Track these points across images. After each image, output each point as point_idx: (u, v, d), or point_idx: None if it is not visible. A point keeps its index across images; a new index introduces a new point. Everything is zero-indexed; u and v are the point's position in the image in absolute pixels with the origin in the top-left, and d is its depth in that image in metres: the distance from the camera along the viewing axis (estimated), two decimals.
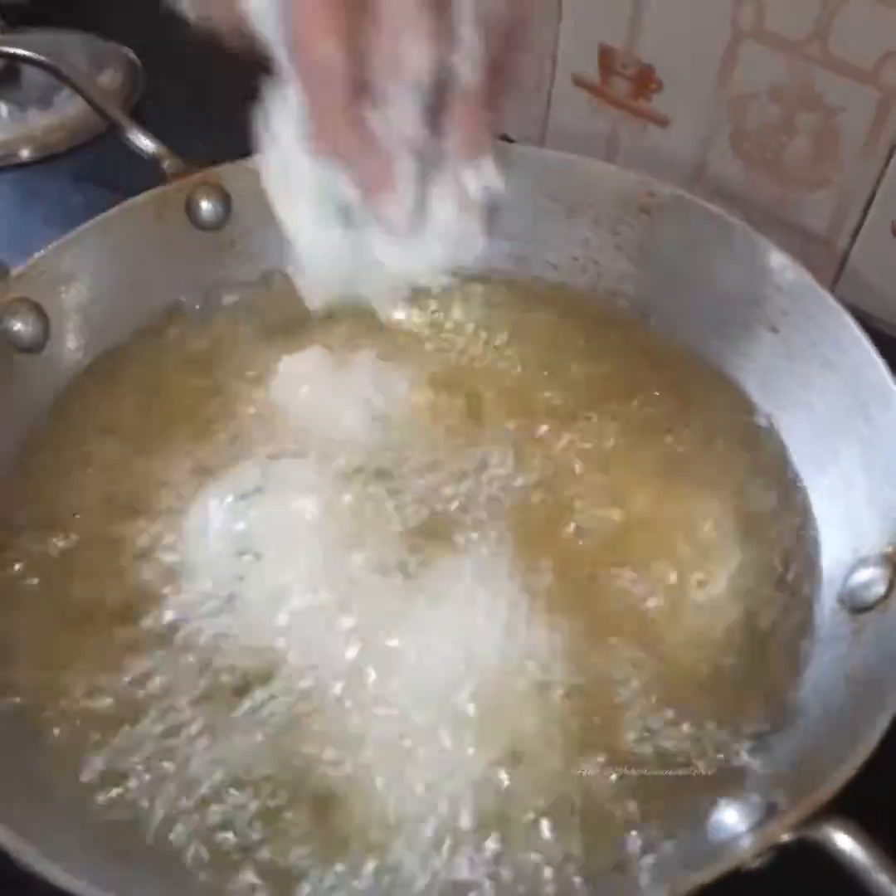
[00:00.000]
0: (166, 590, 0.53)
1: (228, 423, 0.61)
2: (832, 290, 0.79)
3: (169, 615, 0.52)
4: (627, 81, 0.84)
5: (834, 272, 0.79)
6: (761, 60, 0.74)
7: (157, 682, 0.50)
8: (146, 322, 0.67)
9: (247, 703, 0.49)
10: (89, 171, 0.90)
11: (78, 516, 0.57)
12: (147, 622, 0.52)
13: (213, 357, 0.66)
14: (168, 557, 0.54)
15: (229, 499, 0.55)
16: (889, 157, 0.72)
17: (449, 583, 0.53)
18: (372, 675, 0.49)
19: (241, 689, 0.49)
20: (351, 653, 0.50)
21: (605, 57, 0.84)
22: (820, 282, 0.78)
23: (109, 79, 0.98)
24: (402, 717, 0.48)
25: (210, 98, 0.98)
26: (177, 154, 0.67)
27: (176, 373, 0.65)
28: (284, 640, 0.51)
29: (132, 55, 1.02)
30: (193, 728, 0.48)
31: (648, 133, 0.85)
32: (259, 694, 0.49)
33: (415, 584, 0.53)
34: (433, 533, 0.56)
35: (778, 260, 0.63)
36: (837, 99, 0.72)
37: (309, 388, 0.62)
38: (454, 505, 0.57)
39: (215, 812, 0.46)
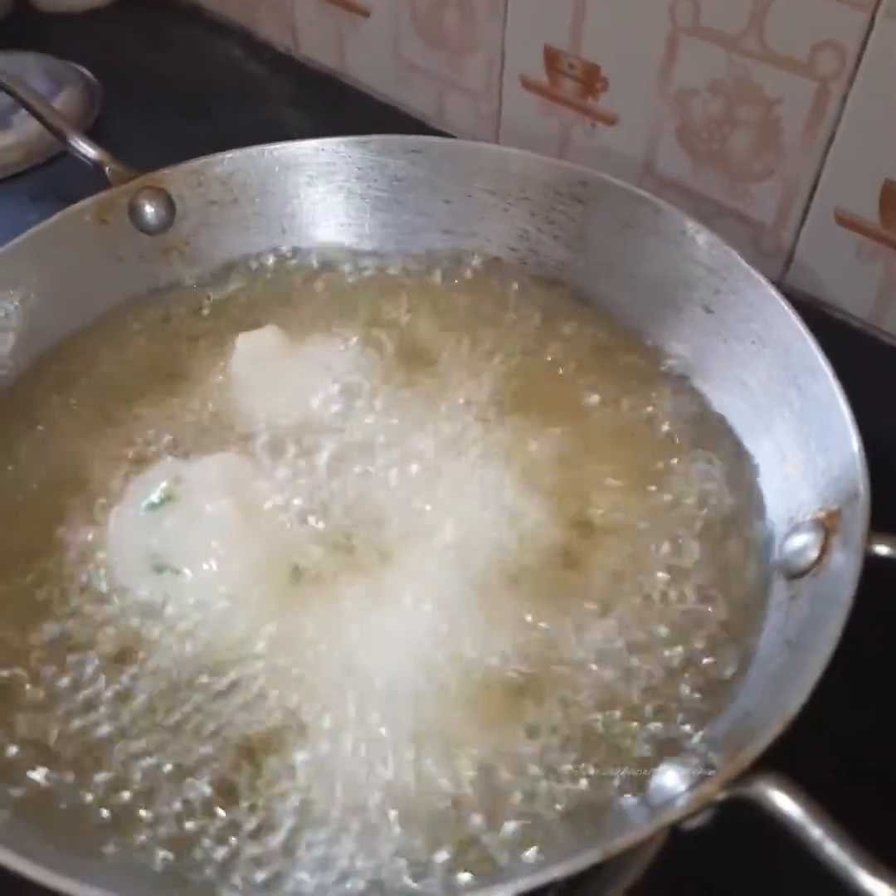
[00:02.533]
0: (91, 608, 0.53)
1: (168, 417, 0.62)
2: (782, 281, 0.81)
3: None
4: (574, 82, 0.85)
5: (783, 261, 0.81)
6: (700, 55, 0.75)
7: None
8: (92, 324, 0.67)
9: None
10: (47, 190, 0.91)
11: None
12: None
13: (158, 355, 0.66)
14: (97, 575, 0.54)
15: (141, 511, 0.54)
16: (829, 145, 0.73)
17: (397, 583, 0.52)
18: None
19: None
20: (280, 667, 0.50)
21: (551, 58, 0.85)
22: (770, 272, 0.79)
23: (66, 99, 0.99)
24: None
25: (166, 117, 0.99)
26: (123, 160, 0.68)
27: (121, 371, 0.65)
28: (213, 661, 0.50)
29: (89, 75, 1.03)
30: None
31: (598, 131, 0.86)
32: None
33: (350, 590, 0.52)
34: (371, 523, 0.56)
35: (705, 239, 0.64)
36: (775, 90, 0.73)
37: (268, 360, 0.63)
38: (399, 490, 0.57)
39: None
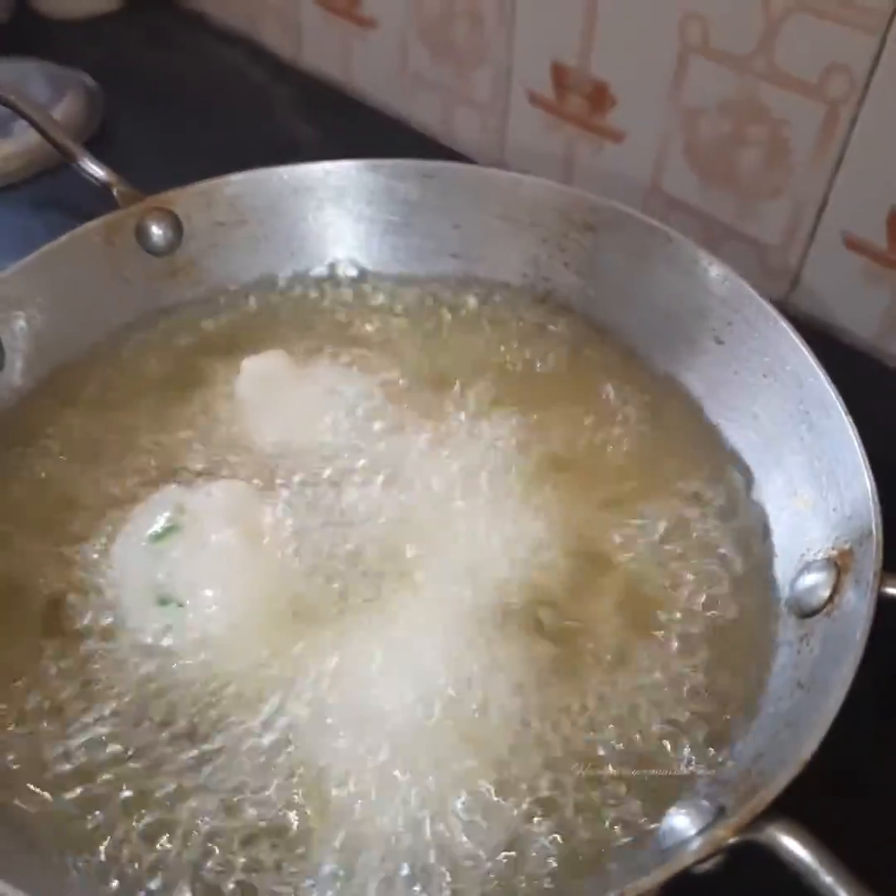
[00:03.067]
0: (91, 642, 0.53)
1: (173, 441, 0.61)
2: (787, 301, 0.81)
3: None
4: (582, 98, 0.85)
5: (789, 282, 0.81)
6: (710, 75, 0.75)
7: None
8: (97, 344, 0.67)
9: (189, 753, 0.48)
10: (50, 199, 0.90)
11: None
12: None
13: (164, 378, 0.66)
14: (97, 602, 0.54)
15: (144, 541, 0.53)
16: (837, 167, 0.73)
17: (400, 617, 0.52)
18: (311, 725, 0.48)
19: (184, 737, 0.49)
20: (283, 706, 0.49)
21: (559, 74, 0.85)
22: (776, 292, 0.80)
23: (68, 106, 0.98)
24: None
25: (169, 124, 0.99)
26: (127, 181, 0.67)
27: (126, 393, 0.65)
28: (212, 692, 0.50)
29: (91, 82, 1.03)
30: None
31: (605, 149, 0.86)
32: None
33: (358, 622, 0.52)
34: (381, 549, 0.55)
35: (717, 271, 0.64)
36: (785, 112, 0.73)
37: (275, 384, 0.63)
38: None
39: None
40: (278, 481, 0.59)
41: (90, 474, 0.60)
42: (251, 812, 0.46)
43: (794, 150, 0.74)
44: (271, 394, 0.63)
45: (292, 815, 0.46)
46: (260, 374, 0.63)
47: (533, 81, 0.87)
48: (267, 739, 0.48)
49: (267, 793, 0.47)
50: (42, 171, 0.93)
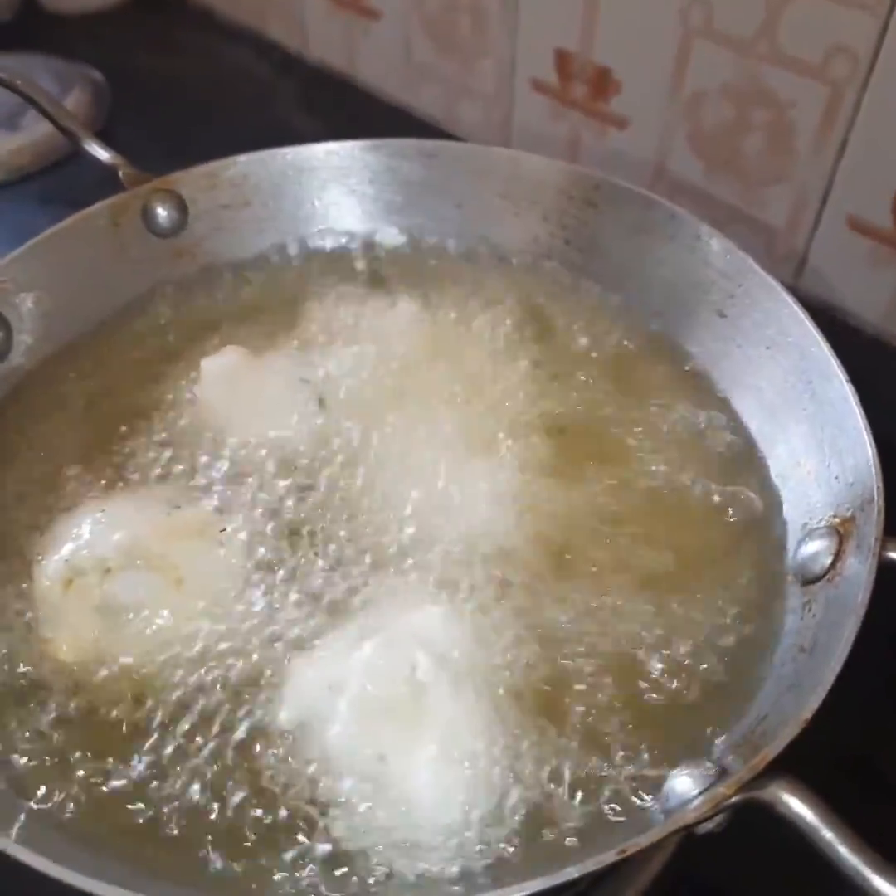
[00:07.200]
0: None
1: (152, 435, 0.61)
2: (795, 285, 0.80)
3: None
4: (586, 85, 0.85)
5: (796, 266, 0.81)
6: (713, 59, 0.75)
7: None
8: (102, 324, 0.67)
9: None
10: (57, 192, 0.91)
11: None
12: None
13: (166, 354, 0.66)
14: None
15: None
16: (842, 150, 0.73)
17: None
18: None
19: None
20: None
21: (563, 61, 0.85)
22: (783, 277, 0.79)
23: (75, 100, 0.98)
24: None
25: (175, 118, 0.99)
26: (133, 163, 0.68)
27: (129, 370, 0.65)
28: None
29: (98, 76, 1.03)
30: None
31: (610, 135, 0.86)
32: None
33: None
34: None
35: (719, 244, 0.64)
36: (788, 94, 0.73)
37: (236, 382, 0.61)
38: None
39: None
40: (243, 480, 0.58)
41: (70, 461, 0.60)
42: None
43: (799, 134, 0.74)
44: (236, 391, 0.61)
45: None
46: (221, 373, 0.62)
47: (537, 69, 0.87)
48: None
49: None
50: (51, 164, 0.94)
